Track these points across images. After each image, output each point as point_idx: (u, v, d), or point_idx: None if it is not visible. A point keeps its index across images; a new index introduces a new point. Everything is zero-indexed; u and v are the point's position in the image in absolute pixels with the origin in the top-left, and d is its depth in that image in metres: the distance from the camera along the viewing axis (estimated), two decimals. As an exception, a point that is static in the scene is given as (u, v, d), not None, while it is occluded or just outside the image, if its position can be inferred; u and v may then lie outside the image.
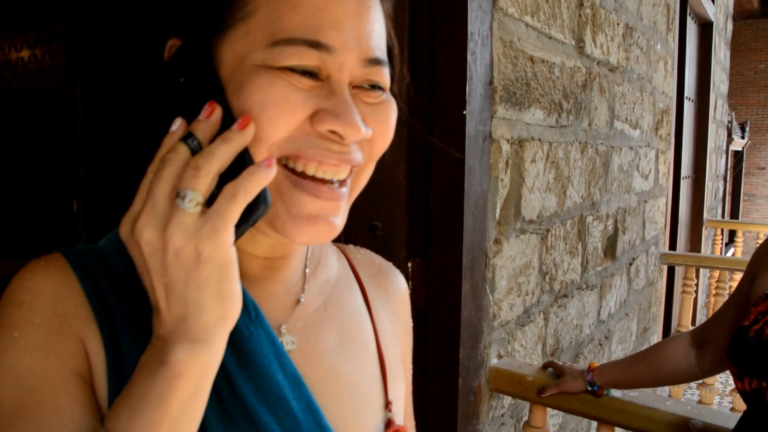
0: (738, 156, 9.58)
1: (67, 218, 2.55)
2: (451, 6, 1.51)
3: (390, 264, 0.86)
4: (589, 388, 1.60)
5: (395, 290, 0.83)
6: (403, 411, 0.76)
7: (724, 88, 6.88)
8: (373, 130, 0.60)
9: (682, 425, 1.54)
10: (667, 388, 3.80)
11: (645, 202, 3.34)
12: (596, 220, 2.53)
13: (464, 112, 1.46)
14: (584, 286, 2.45)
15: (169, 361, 0.48)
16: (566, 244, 2.22)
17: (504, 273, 1.78)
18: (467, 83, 1.49)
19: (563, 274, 2.21)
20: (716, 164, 6.53)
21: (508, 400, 1.89)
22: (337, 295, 0.74)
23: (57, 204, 2.95)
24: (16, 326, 0.55)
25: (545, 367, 1.76)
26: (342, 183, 0.59)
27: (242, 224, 0.51)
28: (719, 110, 6.43)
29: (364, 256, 0.83)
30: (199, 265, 0.48)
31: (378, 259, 0.85)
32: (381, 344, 0.75)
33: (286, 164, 0.57)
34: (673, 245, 4.62)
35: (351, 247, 0.84)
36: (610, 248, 2.76)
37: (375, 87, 0.60)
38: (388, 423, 0.71)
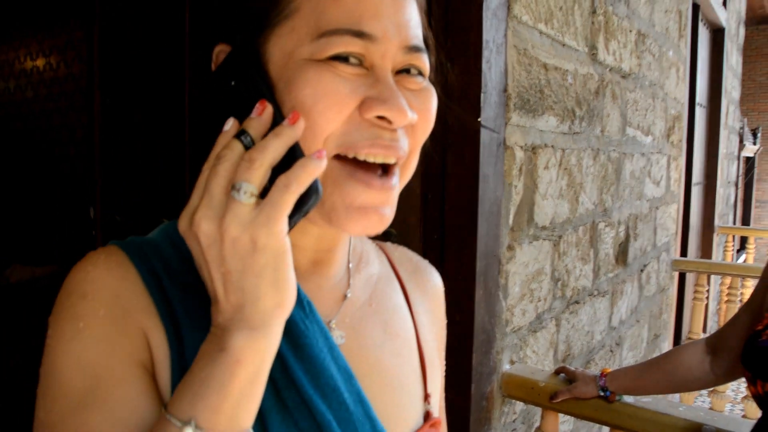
0: (750, 162, 9.53)
1: (84, 224, 2.58)
2: (466, 14, 1.53)
3: (427, 262, 0.88)
4: (602, 394, 1.61)
5: (432, 287, 0.85)
6: (438, 403, 0.78)
7: (736, 94, 6.85)
8: (419, 116, 0.61)
9: (694, 431, 1.54)
10: (677, 395, 3.79)
11: (656, 208, 3.34)
12: (608, 227, 2.53)
13: (479, 120, 1.47)
14: (596, 292, 2.45)
15: (229, 347, 0.50)
16: (578, 250, 2.22)
17: (517, 279, 1.79)
18: (482, 91, 1.50)
19: (575, 280, 2.22)
20: (727, 170, 6.50)
21: (519, 405, 1.90)
22: (380, 291, 0.76)
23: (73, 210, 2.98)
24: (81, 317, 0.57)
25: (557, 372, 1.77)
26: (390, 172, 0.61)
27: (295, 214, 0.53)
28: (731, 116, 6.41)
29: (402, 253, 0.85)
30: (255, 254, 0.50)
31: (415, 257, 0.87)
32: (420, 339, 0.77)
33: (342, 155, 0.59)
34: (684, 252, 4.61)
35: (388, 244, 0.86)
36: (622, 255, 2.76)
37: (417, 73, 0.62)
38: (427, 415, 0.73)
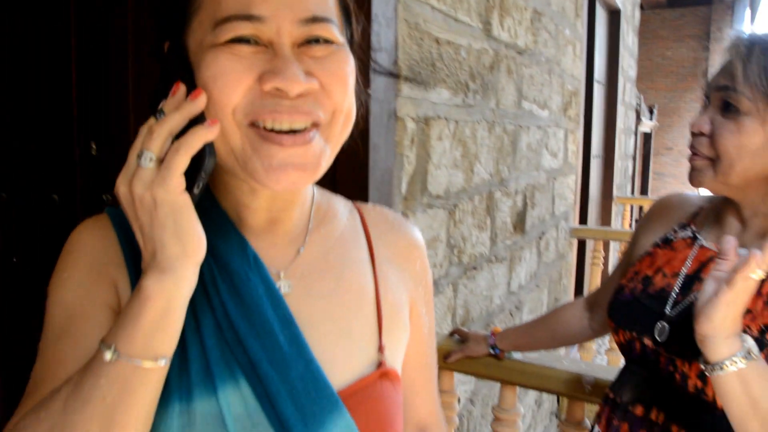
0: (647, 137, 10.08)
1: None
2: (355, -13, 1.56)
3: (404, 220, 0.94)
4: (492, 352, 1.70)
5: (406, 245, 0.90)
6: (399, 356, 0.84)
7: (633, 72, 7.22)
8: (325, 80, 0.67)
9: (576, 381, 1.66)
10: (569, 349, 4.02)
11: (554, 179, 3.51)
12: (505, 196, 2.65)
13: (368, 91, 1.52)
14: (494, 258, 2.57)
15: (142, 287, 0.61)
16: (474, 218, 2.32)
17: (412, 246, 1.85)
18: (371, 63, 1.54)
19: (472, 247, 2.32)
20: (625, 144, 6.87)
21: (418, 367, 1.97)
22: (341, 247, 0.83)
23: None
24: (66, 269, 0.73)
25: (452, 334, 1.86)
26: (307, 131, 0.67)
27: (197, 176, 0.63)
28: (628, 93, 6.75)
29: (378, 213, 0.91)
30: (156, 209, 0.60)
31: (392, 216, 0.93)
32: (380, 293, 0.82)
33: (255, 124, 0.66)
34: (584, 220, 4.86)
35: (368, 205, 0.93)
36: (520, 223, 2.90)
37: (319, 41, 0.68)
38: (380, 364, 0.78)
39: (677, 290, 1.17)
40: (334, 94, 0.68)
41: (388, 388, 0.78)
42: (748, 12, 12.63)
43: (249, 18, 0.64)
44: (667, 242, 1.28)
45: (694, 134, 1.14)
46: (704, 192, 1.35)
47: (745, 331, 1.02)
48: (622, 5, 5.89)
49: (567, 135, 3.74)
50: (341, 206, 0.88)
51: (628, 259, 1.43)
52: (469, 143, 2.22)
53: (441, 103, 2.00)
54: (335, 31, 0.69)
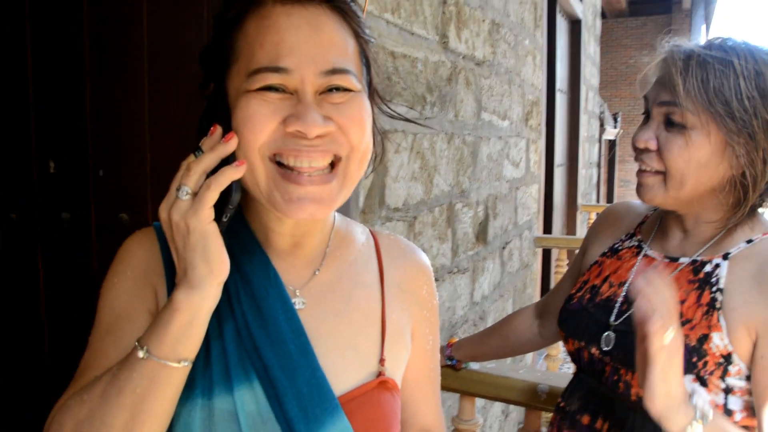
0: (612, 144, 10.24)
1: None
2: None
3: (415, 248, 1.04)
4: (449, 362, 1.71)
5: (415, 271, 1.00)
6: (400, 370, 0.95)
7: (595, 81, 7.34)
8: (342, 122, 0.78)
9: (532, 390, 1.68)
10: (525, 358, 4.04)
11: (517, 189, 3.54)
12: (466, 207, 2.67)
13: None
14: (455, 269, 2.58)
15: (173, 299, 0.73)
16: (435, 230, 2.33)
17: (370, 259, 1.85)
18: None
19: (432, 258, 2.32)
20: (589, 152, 6.97)
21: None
22: (354, 270, 0.94)
23: None
24: (116, 274, 0.86)
25: None
26: (328, 170, 0.79)
27: (225, 207, 0.76)
28: (591, 102, 6.86)
29: (392, 240, 1.02)
30: (189, 234, 0.72)
31: (404, 243, 1.03)
32: (386, 313, 0.93)
33: (279, 162, 0.77)
34: (548, 229, 4.91)
35: (384, 232, 1.04)
36: (482, 233, 2.91)
37: (339, 89, 0.78)
38: (379, 374, 0.89)
39: (622, 299, 1.19)
40: (350, 135, 0.78)
41: (386, 396, 0.88)
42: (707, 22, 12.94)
43: (277, 70, 0.75)
44: (614, 252, 1.29)
45: (639, 149, 1.15)
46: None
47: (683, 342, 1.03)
48: (583, 15, 6.00)
49: (529, 144, 3.78)
50: (359, 232, 0.99)
51: (576, 268, 1.45)
52: (427, 155, 2.23)
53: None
54: (353, 80, 0.79)
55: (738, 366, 1.03)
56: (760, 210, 1.18)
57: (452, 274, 2.54)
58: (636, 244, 1.27)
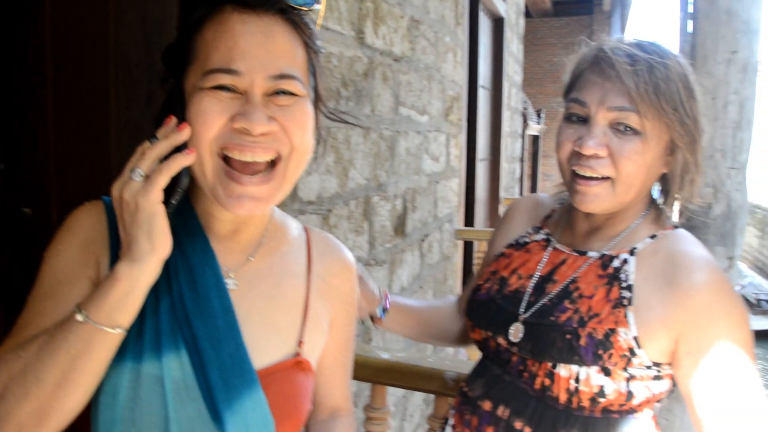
0: (536, 139, 10.56)
1: None
2: None
3: (342, 246, 1.14)
4: (378, 313, 1.47)
5: (339, 267, 1.10)
6: (316, 353, 1.04)
7: (518, 78, 7.55)
8: (285, 124, 0.86)
9: (440, 378, 1.73)
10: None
11: (436, 182, 3.62)
12: (383, 200, 2.71)
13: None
14: (372, 262, 2.62)
15: (115, 270, 0.80)
16: (350, 222, 2.36)
17: (283, 252, 1.86)
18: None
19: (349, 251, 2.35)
20: (512, 147, 7.16)
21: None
22: (284, 260, 1.03)
23: None
24: (62, 242, 0.91)
25: None
26: (269, 167, 0.87)
27: (173, 191, 0.84)
28: (514, 98, 7.05)
29: (322, 237, 1.11)
30: (137, 212, 0.79)
31: (333, 242, 1.13)
32: (309, 302, 1.02)
33: (225, 156, 0.85)
34: (470, 222, 5.03)
35: (316, 230, 1.13)
36: (400, 226, 2.97)
37: (285, 93, 0.86)
38: (296, 355, 0.98)
39: (530, 291, 1.21)
40: (292, 135, 0.86)
41: (300, 376, 0.97)
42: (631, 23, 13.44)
43: (230, 71, 0.83)
44: (522, 245, 1.31)
45: (584, 156, 1.11)
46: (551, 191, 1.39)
47: (590, 334, 1.07)
48: (506, 13, 6.15)
49: (449, 139, 3.86)
50: (293, 227, 1.08)
51: (487, 260, 1.46)
52: (342, 149, 2.26)
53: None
54: (299, 86, 0.87)
55: (641, 358, 1.06)
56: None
57: (369, 266, 2.59)
58: (544, 237, 1.29)
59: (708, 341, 1.04)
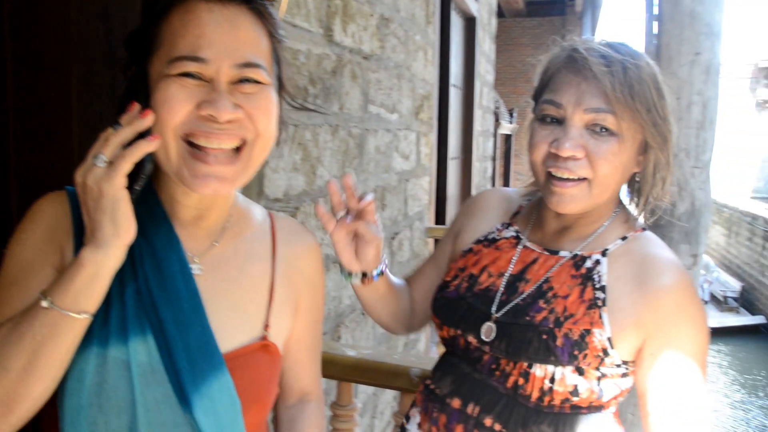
0: (508, 138, 10.64)
1: None
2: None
3: (306, 230, 1.17)
4: (374, 273, 1.31)
5: (303, 250, 1.12)
6: (283, 337, 1.05)
7: (490, 77, 7.60)
8: (251, 111, 0.88)
9: (405, 374, 1.74)
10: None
11: (407, 180, 3.63)
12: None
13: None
14: (341, 259, 2.62)
15: (80, 256, 0.81)
16: (318, 220, 2.36)
17: (249, 249, 1.85)
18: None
19: (316, 248, 2.35)
20: (483, 146, 7.21)
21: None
22: (249, 245, 1.04)
23: None
24: (25, 231, 0.92)
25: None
26: (234, 152, 0.89)
27: (137, 177, 0.86)
28: (485, 97, 7.09)
29: (286, 222, 1.13)
30: (101, 198, 0.80)
31: (297, 225, 1.15)
32: (275, 285, 1.04)
33: (190, 141, 0.86)
34: (441, 220, 5.05)
35: (281, 214, 1.15)
36: (370, 224, 2.96)
37: (250, 81, 0.88)
38: (263, 338, 0.99)
39: (502, 290, 1.19)
40: (257, 122, 0.89)
41: (267, 359, 0.99)
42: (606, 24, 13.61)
43: (196, 59, 0.85)
44: (491, 241, 1.29)
45: (558, 157, 1.10)
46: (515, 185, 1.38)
47: (566, 335, 1.08)
48: (478, 13, 6.18)
49: (419, 138, 3.87)
50: (257, 213, 1.10)
51: (444, 252, 1.40)
52: (309, 147, 2.25)
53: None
54: (264, 74, 0.89)
55: (612, 358, 1.08)
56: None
57: (338, 264, 2.58)
58: (514, 234, 1.27)
59: (672, 343, 1.07)
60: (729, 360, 12.40)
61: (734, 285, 15.73)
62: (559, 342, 1.08)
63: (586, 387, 1.08)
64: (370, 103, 2.91)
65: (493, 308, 1.17)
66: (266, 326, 1.01)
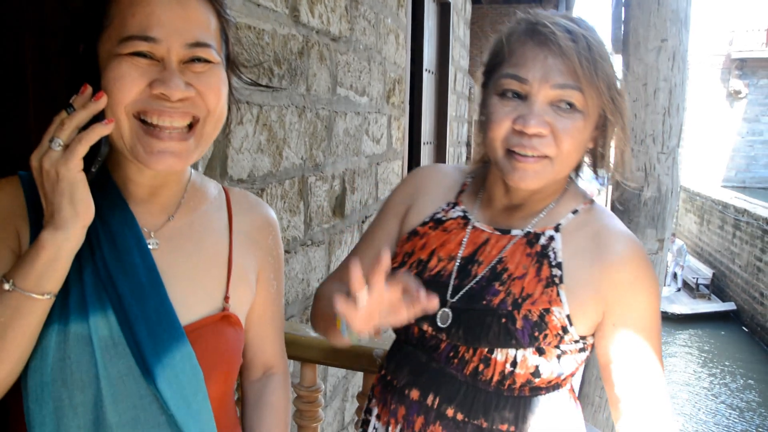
0: (483, 125, 10.64)
1: None
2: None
3: (262, 202, 1.18)
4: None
5: (261, 222, 1.13)
6: (244, 308, 1.08)
7: (465, 62, 7.60)
8: (202, 90, 0.90)
9: (368, 355, 1.74)
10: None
11: (377, 164, 3.62)
12: (320, 180, 2.70)
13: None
14: (309, 242, 2.62)
15: (40, 238, 0.83)
16: (285, 202, 2.35)
17: (211, 230, 1.84)
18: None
19: (283, 231, 2.34)
20: (457, 132, 7.22)
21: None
22: (205, 219, 1.05)
23: None
24: None
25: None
26: (187, 130, 0.91)
27: (93, 160, 0.87)
28: (459, 83, 7.10)
29: (241, 195, 1.15)
30: (58, 181, 0.82)
31: (253, 198, 1.17)
32: (233, 257, 1.06)
33: (143, 120, 0.88)
34: (414, 205, 5.04)
35: (236, 188, 1.16)
36: (339, 207, 2.97)
37: (200, 60, 0.90)
38: (223, 310, 1.02)
39: (455, 275, 1.15)
40: (208, 100, 0.91)
41: (228, 330, 1.01)
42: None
43: (147, 39, 0.86)
44: (438, 222, 1.22)
45: (522, 134, 1.06)
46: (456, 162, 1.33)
47: (526, 316, 1.06)
48: (452, -1, 6.17)
49: (391, 121, 3.86)
50: (212, 187, 1.11)
51: (388, 233, 1.29)
52: (275, 128, 2.24)
53: (241, 87, 1.98)
54: (213, 53, 0.91)
55: (571, 334, 1.07)
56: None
57: (306, 246, 2.58)
58: (461, 214, 1.22)
59: (632, 312, 1.08)
60: (699, 345, 12.65)
61: (706, 272, 16.02)
62: (518, 324, 1.06)
63: (546, 367, 1.07)
64: (339, 86, 2.90)
65: (448, 294, 1.13)
66: (226, 298, 1.03)
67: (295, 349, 1.77)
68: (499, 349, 1.07)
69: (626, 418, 1.08)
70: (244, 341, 1.11)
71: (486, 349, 1.08)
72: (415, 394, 1.15)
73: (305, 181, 2.54)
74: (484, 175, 1.24)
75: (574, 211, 1.16)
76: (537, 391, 1.11)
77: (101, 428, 0.88)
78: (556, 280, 1.08)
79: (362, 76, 3.24)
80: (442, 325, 1.11)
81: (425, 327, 1.14)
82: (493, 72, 1.13)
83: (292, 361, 2.18)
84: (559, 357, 1.08)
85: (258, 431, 1.14)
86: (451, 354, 1.12)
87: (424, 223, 1.24)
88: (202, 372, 0.94)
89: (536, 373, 1.07)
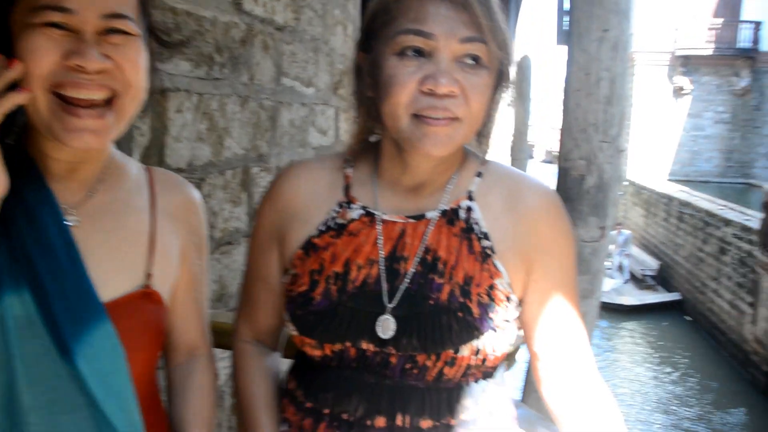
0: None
1: None
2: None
3: (186, 182, 1.15)
4: None
5: (184, 202, 1.11)
6: (166, 286, 1.05)
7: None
8: (120, 62, 0.87)
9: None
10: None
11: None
12: (264, 171, 2.68)
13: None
14: (253, 233, 2.59)
15: None
16: (227, 193, 2.32)
17: (148, 220, 1.81)
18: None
19: (224, 222, 2.32)
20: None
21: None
22: (125, 196, 1.03)
23: None
24: None
25: None
26: (105, 105, 0.88)
27: (8, 130, 0.88)
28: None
29: (165, 175, 1.13)
30: None
31: (176, 178, 1.14)
32: (156, 235, 1.03)
33: (60, 95, 0.85)
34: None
35: (159, 169, 1.14)
36: (284, 198, 2.94)
37: (118, 32, 0.87)
38: (145, 287, 1.00)
39: (385, 278, 1.03)
40: (126, 73, 0.88)
41: (150, 307, 1.00)
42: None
43: (61, 9, 0.83)
44: (340, 228, 1.07)
45: (432, 95, 0.95)
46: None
47: (479, 302, 1.01)
48: (402, -8, 6.16)
49: (338, 113, 3.85)
50: (133, 167, 1.09)
51: (271, 268, 1.15)
52: (216, 117, 2.21)
53: (180, 75, 1.96)
54: (132, 25, 0.88)
55: (513, 301, 1.04)
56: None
57: (248, 238, 2.55)
58: (362, 212, 1.07)
59: (553, 264, 1.07)
60: (643, 336, 13.03)
61: (652, 264, 16.47)
62: (476, 313, 1.00)
63: (502, 342, 1.03)
64: (284, 76, 2.87)
65: (384, 300, 1.02)
66: (149, 275, 1.01)
67: (227, 338, 1.74)
68: (463, 346, 0.99)
69: (549, 370, 1.08)
70: (169, 324, 1.09)
71: (452, 350, 0.99)
72: (380, 421, 1.02)
73: (248, 171, 2.52)
74: (369, 160, 1.11)
75: (478, 174, 1.09)
76: (492, 369, 1.08)
77: (14, 411, 0.85)
78: (489, 252, 1.03)
79: (308, 66, 3.22)
80: (386, 337, 1.00)
81: (364, 345, 1.01)
82: (382, 31, 1.00)
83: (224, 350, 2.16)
84: (507, 327, 1.04)
85: (185, 414, 1.12)
86: (408, 366, 1.01)
87: (320, 233, 1.08)
88: (124, 350, 0.92)
89: (494, 352, 1.02)
